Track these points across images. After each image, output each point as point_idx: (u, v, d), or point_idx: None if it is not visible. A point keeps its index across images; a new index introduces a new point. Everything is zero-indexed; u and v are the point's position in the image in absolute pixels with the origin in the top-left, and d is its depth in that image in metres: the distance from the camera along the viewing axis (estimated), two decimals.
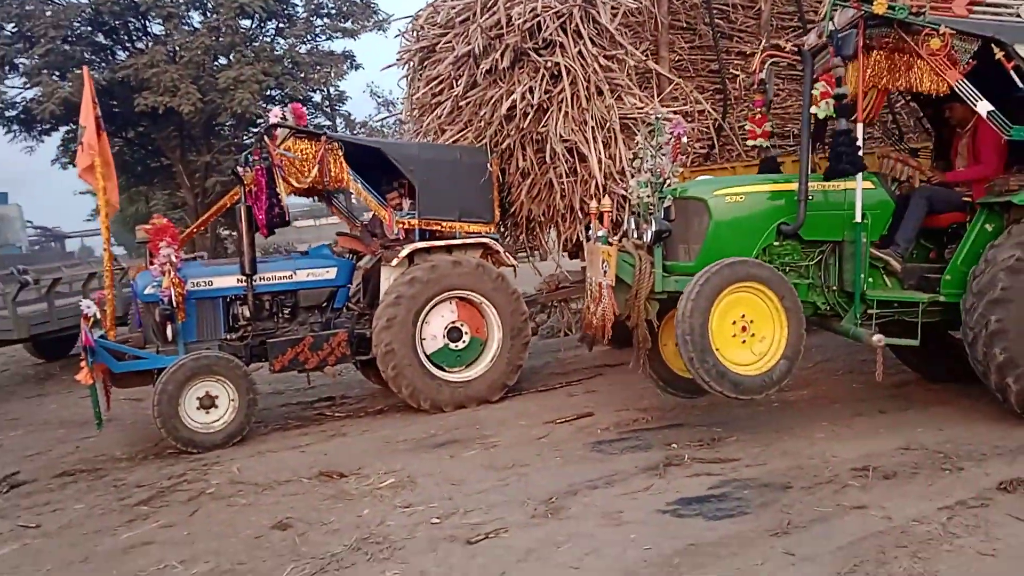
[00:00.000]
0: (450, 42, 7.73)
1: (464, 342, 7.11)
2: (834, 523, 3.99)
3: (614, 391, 7.13)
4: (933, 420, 5.51)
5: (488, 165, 7.36)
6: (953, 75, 5.16)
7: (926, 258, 5.91)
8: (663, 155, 5.47)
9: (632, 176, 6.06)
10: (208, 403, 6.30)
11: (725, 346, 5.12)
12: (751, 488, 4.55)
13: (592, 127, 6.89)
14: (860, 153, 5.21)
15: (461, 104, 7.63)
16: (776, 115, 8.10)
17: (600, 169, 6.83)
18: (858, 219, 5.34)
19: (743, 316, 5.16)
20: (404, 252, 6.94)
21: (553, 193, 7.23)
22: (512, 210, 7.68)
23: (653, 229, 5.41)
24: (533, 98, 6.89)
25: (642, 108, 6.95)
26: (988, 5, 5.41)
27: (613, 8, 7.09)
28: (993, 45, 5.16)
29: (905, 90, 5.47)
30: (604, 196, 6.15)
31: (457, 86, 7.58)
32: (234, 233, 16.90)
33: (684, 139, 5.66)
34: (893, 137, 7.99)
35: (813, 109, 5.37)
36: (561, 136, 6.89)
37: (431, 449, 5.88)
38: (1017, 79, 5.14)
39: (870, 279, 5.47)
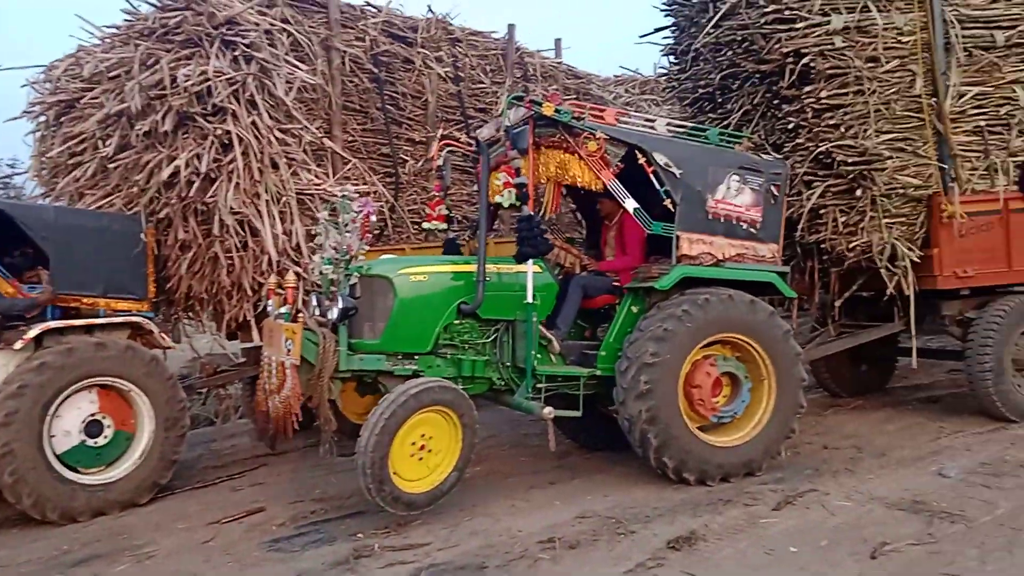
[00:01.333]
0: (97, 98, 6.90)
1: (106, 437, 6.10)
2: None
3: (284, 482, 6.63)
4: (599, 487, 5.90)
5: (142, 235, 6.60)
6: (607, 175, 5.78)
7: (582, 336, 6.44)
8: (349, 232, 5.35)
9: (314, 252, 5.83)
10: None
11: (403, 466, 5.16)
12: (448, 572, 4.45)
13: (267, 200, 6.54)
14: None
15: (109, 167, 6.80)
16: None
17: (275, 245, 6.48)
18: (530, 300, 5.68)
19: (423, 435, 5.23)
20: (31, 333, 5.87)
21: (219, 268, 6.68)
22: (169, 286, 6.94)
23: (340, 306, 5.28)
24: (201, 166, 6.36)
25: (319, 184, 6.78)
26: (633, 118, 6.20)
27: (288, 81, 6.89)
28: (638, 151, 5.89)
29: (570, 184, 5.97)
30: (288, 272, 5.82)
31: (105, 146, 6.76)
32: None
33: (373, 217, 5.62)
34: (553, 226, 8.71)
35: (498, 198, 5.71)
36: (232, 208, 6.43)
37: (65, 570, 4.91)
38: (656, 182, 5.91)
39: (538, 356, 5.81)
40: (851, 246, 6.78)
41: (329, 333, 5.39)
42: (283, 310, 5.63)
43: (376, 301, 5.62)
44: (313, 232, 6.74)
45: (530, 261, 5.66)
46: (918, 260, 6.84)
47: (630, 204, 5.91)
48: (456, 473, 5.32)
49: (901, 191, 6.76)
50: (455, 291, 5.78)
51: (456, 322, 5.80)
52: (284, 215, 6.67)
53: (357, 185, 7.34)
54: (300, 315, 5.46)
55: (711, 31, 7.41)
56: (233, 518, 5.65)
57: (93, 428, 6.05)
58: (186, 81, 6.43)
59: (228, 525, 5.54)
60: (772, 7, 6.73)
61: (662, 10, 8.41)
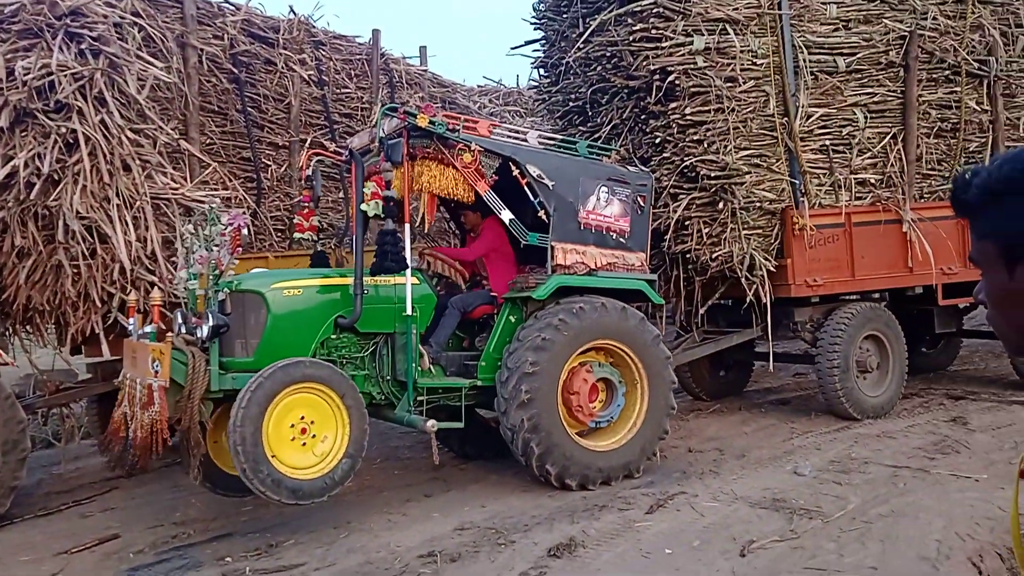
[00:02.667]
0: None
1: None
2: None
3: (139, 506, 6.20)
4: (475, 498, 5.86)
5: None
6: (482, 186, 5.79)
7: (460, 346, 6.41)
8: (218, 246, 5.08)
9: (175, 265, 5.48)
10: None
11: (283, 451, 4.92)
12: None
13: (118, 205, 6.09)
14: (405, 253, 5.50)
15: None
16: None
17: (128, 253, 6.05)
18: (408, 312, 5.59)
19: (302, 418, 5.01)
20: None
21: (63, 277, 6.16)
22: (5, 296, 6.33)
23: (210, 324, 5.01)
24: (43, 166, 5.85)
25: (176, 189, 6.39)
26: (506, 130, 6.25)
27: (141, 78, 6.47)
28: (511, 163, 5.93)
29: (444, 196, 5.93)
30: (153, 288, 5.43)
31: None
32: None
33: (245, 231, 5.37)
34: (425, 236, 8.62)
35: (363, 207, 5.55)
36: (78, 213, 5.95)
37: None
38: (530, 193, 5.97)
39: (419, 368, 5.72)
40: (714, 256, 7.11)
41: (198, 352, 5.10)
42: (148, 329, 5.30)
43: (248, 317, 5.40)
44: (170, 239, 6.38)
45: (408, 272, 5.59)
46: (774, 270, 7.26)
47: (506, 215, 5.95)
48: (348, 461, 5.09)
49: (758, 204, 7.16)
50: (331, 304, 5.62)
51: (333, 336, 5.64)
52: (137, 221, 6.23)
53: (217, 190, 7.00)
54: (168, 334, 5.12)
55: (581, 46, 7.57)
56: (84, 547, 5.23)
57: None
58: (25, 74, 5.90)
59: (79, 555, 5.12)
60: (640, 26, 6.97)
61: (532, 23, 8.53)
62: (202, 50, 7.50)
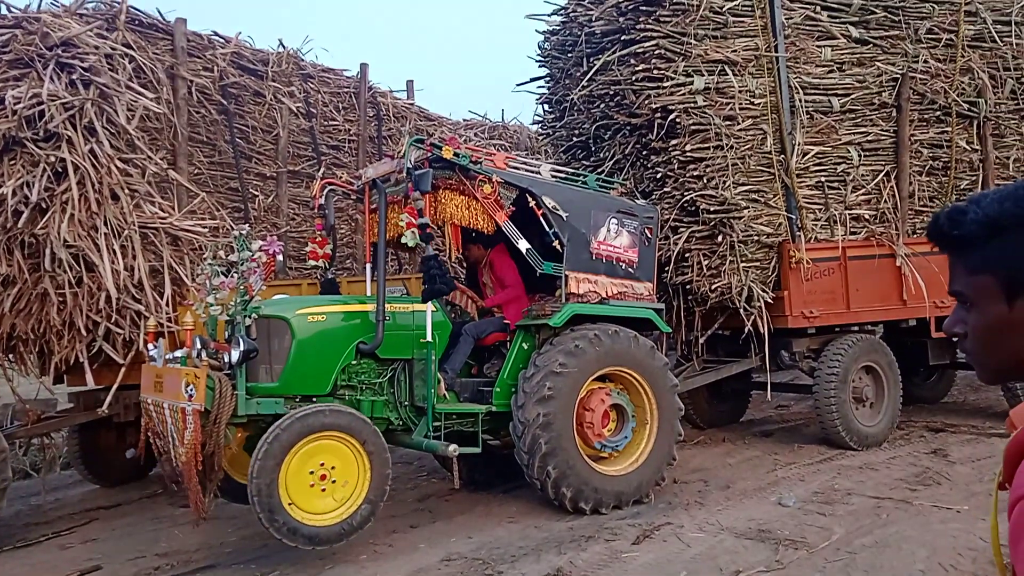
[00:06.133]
0: None
1: None
2: None
3: (120, 537, 6.12)
4: (461, 529, 5.85)
5: None
6: (501, 216, 5.92)
7: (469, 373, 6.49)
8: (251, 272, 5.13)
9: (202, 292, 5.50)
10: None
11: (301, 498, 4.98)
12: None
13: (105, 234, 6.10)
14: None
15: None
16: (292, 238, 8.23)
17: (116, 281, 6.04)
18: (428, 339, 5.67)
19: (322, 464, 5.05)
20: None
21: (48, 305, 6.14)
22: None
23: (241, 348, 5.06)
24: (32, 195, 5.86)
25: (164, 218, 6.41)
26: (519, 163, 6.44)
27: (131, 108, 6.51)
28: (528, 195, 6.05)
29: (466, 226, 6.04)
30: (187, 313, 5.45)
31: None
32: None
33: (280, 257, 5.46)
34: None
35: (404, 239, 5.72)
36: (66, 241, 5.95)
37: None
38: (544, 224, 6.11)
39: (435, 394, 5.78)
40: (713, 287, 7.27)
41: (224, 377, 5.11)
42: (178, 354, 5.31)
43: (272, 342, 5.47)
44: (157, 268, 6.40)
45: (433, 299, 5.71)
46: (771, 301, 7.41)
47: (523, 245, 6.07)
48: (368, 506, 5.13)
49: (756, 238, 7.33)
50: (353, 331, 5.71)
51: (354, 362, 5.72)
52: (125, 249, 6.23)
53: (205, 219, 7.02)
54: (204, 359, 5.12)
55: (586, 84, 7.75)
56: None
57: None
58: (16, 103, 5.94)
59: None
60: (642, 66, 7.17)
61: (536, 61, 8.71)
62: (192, 81, 7.59)
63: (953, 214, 1.26)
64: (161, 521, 6.40)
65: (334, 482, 5.09)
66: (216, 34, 8.26)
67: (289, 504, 4.88)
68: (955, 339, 1.32)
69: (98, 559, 5.53)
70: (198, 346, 5.16)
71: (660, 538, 5.39)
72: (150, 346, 5.59)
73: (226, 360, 5.16)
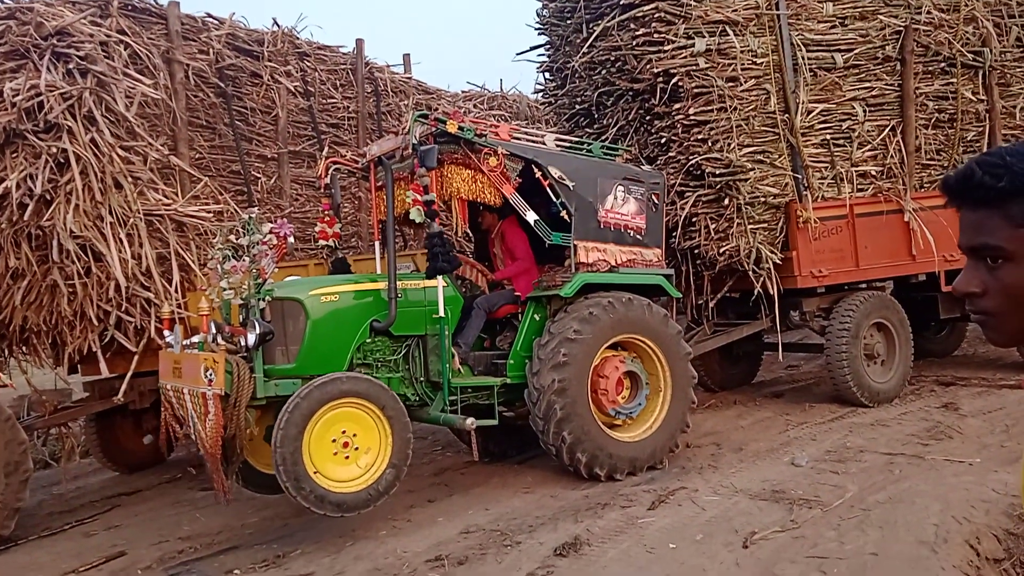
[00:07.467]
0: None
1: None
2: None
3: (142, 523, 6.21)
4: (479, 501, 5.91)
5: None
6: (508, 188, 5.92)
7: (482, 346, 6.52)
8: (263, 255, 5.15)
9: (213, 276, 5.52)
10: None
11: (326, 466, 5.04)
12: None
13: (111, 223, 6.11)
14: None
15: None
16: (296, 219, 8.23)
17: (125, 270, 6.07)
18: (441, 314, 5.69)
19: (344, 432, 5.11)
20: None
21: (59, 297, 6.18)
22: (2, 318, 6.33)
23: (257, 331, 5.11)
24: (35, 187, 5.87)
25: (168, 204, 6.42)
26: (523, 133, 6.40)
27: (129, 96, 6.49)
28: (534, 166, 6.04)
29: (473, 200, 6.03)
30: (202, 298, 5.48)
31: None
32: None
33: (291, 239, 5.49)
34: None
35: (411, 215, 5.71)
36: (72, 232, 5.96)
37: None
38: (551, 194, 6.10)
39: (451, 368, 5.82)
40: (721, 250, 7.27)
41: (241, 360, 5.16)
42: (196, 339, 5.36)
43: (287, 324, 5.51)
44: (164, 255, 6.42)
45: (439, 276, 5.69)
46: (780, 262, 7.40)
47: (531, 216, 6.08)
48: (393, 471, 5.20)
49: (762, 199, 7.32)
50: (366, 309, 5.74)
51: (368, 340, 5.76)
52: (131, 238, 6.25)
53: (208, 204, 7.03)
54: (220, 344, 5.17)
55: (586, 51, 7.68)
56: (92, 565, 5.26)
57: None
58: (14, 96, 5.92)
59: (87, 573, 5.18)
60: (642, 30, 7.11)
61: (536, 28, 8.62)
62: (188, 65, 7.52)
63: (988, 167, 1.20)
64: (182, 505, 6.49)
65: (357, 449, 5.16)
66: (210, 16, 8.19)
67: (315, 473, 4.95)
68: (966, 298, 1.26)
69: (122, 545, 5.62)
70: (213, 331, 5.19)
71: (675, 502, 5.45)
72: (166, 333, 5.64)
73: (242, 344, 5.20)
